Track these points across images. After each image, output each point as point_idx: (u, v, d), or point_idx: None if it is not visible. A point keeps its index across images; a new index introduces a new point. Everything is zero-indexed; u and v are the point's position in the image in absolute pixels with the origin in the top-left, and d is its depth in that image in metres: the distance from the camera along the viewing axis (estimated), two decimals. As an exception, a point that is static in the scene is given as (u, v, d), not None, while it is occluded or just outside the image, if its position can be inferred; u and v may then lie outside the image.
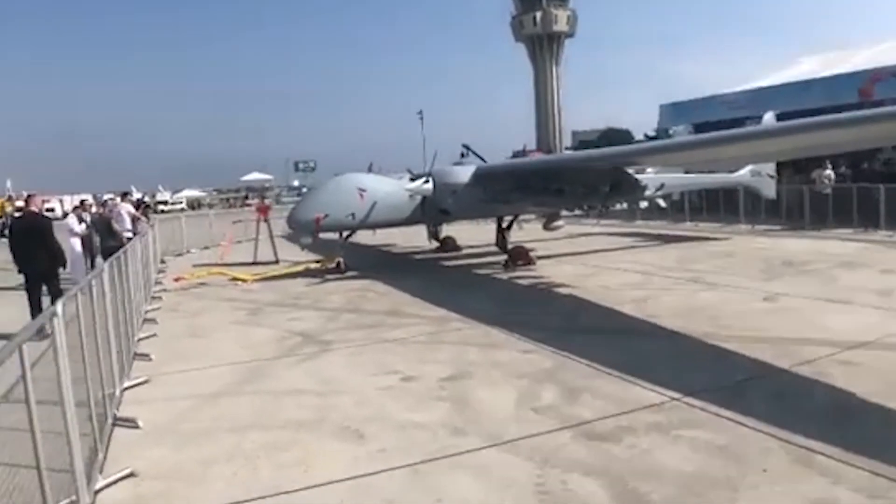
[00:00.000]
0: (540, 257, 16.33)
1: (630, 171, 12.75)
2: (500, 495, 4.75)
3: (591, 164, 12.26)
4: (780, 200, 21.51)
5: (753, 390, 6.74)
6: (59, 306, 4.67)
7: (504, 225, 15.89)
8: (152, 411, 6.65)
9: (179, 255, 22.38)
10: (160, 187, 70.53)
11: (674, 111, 31.79)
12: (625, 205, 16.90)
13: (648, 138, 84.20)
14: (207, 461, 5.42)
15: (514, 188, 14.00)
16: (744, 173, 19.13)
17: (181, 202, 65.14)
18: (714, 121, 27.69)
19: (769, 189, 19.90)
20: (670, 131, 32.40)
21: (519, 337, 9.07)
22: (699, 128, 27.99)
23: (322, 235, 16.12)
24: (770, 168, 19.29)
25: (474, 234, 21.17)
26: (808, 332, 8.74)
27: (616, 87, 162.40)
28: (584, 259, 16.78)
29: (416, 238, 21.11)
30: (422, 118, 79.97)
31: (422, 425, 6.04)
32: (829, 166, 20.67)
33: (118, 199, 16.97)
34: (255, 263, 18.50)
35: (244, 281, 15.25)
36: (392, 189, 15.53)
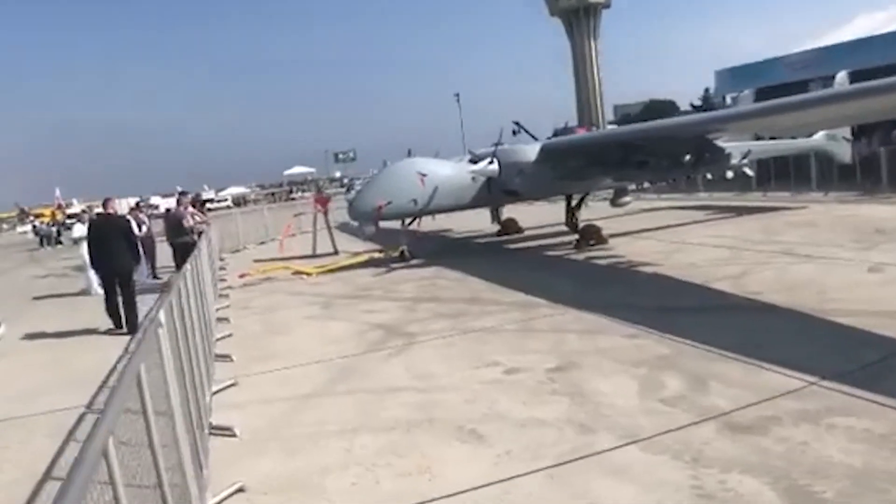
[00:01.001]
0: (611, 235, 15.63)
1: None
2: (655, 500, 4.22)
3: (677, 133, 11.50)
4: (853, 165, 20.29)
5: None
6: (161, 314, 4.28)
7: (573, 203, 15.22)
8: (247, 417, 6.28)
9: (237, 251, 22.28)
10: (205, 186, 71.16)
11: (731, 76, 30.47)
12: (709, 175, 16.04)
13: (694, 108, 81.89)
14: (320, 471, 5.00)
15: (589, 163, 13.35)
16: (818, 137, 18.06)
17: (226, 200, 65.67)
18: (776, 84, 26.44)
19: (845, 153, 18.77)
20: (727, 98, 31.20)
21: (616, 320, 8.49)
22: (761, 93, 26.76)
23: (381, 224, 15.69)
24: (845, 131, 18.16)
25: (534, 216, 20.59)
26: (933, 304, 8.00)
27: (656, 58, 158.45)
28: (658, 235, 16.02)
29: (472, 222, 20.59)
30: (459, 101, 79.17)
31: (543, 423, 5.53)
32: None
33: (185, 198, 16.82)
34: (314, 256, 18.24)
35: (309, 274, 14.95)
36: (453, 172, 15.03)
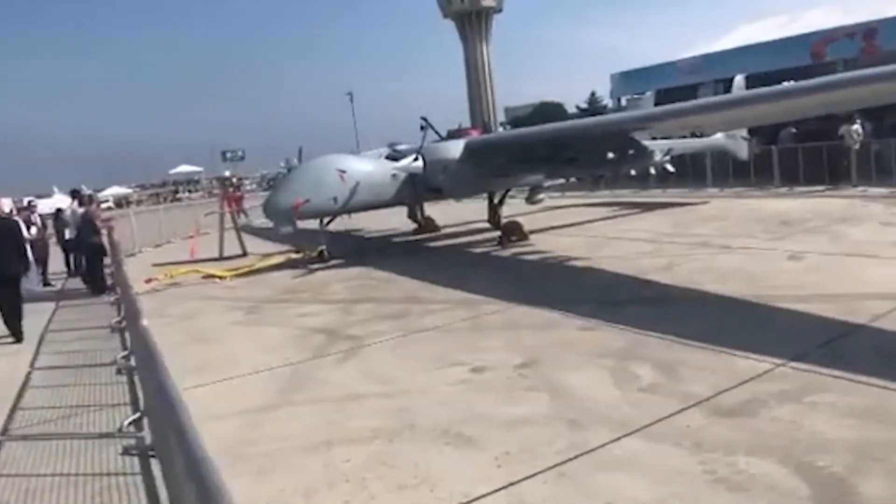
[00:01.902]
0: (530, 232, 15.71)
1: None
2: (672, 489, 4.10)
3: (604, 131, 11.63)
4: (748, 162, 21.49)
5: (852, 348, 6.38)
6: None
7: (496, 200, 15.17)
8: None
9: (132, 255, 20.75)
10: (83, 187, 66.38)
11: (626, 80, 31.67)
12: (633, 172, 16.44)
13: (581, 110, 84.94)
14: (304, 492, 4.53)
15: (515, 160, 13.32)
16: (719, 136, 18.97)
17: (107, 201, 61.47)
18: (670, 87, 27.73)
19: (743, 151, 19.84)
20: (622, 101, 32.40)
21: (566, 314, 8.43)
22: (660, 94, 27.92)
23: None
24: (743, 130, 19.19)
25: (449, 214, 20.47)
26: (856, 287, 8.49)
27: (545, 62, 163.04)
28: (574, 231, 16.27)
29: (384, 221, 20.22)
30: (352, 100, 78.24)
31: (530, 421, 5.31)
32: (858, 121, 19.51)
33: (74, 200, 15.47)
34: (222, 258, 17.28)
35: (222, 278, 14.08)
36: (374, 169, 14.63)
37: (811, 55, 23.77)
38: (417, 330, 8.48)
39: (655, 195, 23.58)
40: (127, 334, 9.72)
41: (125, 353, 8.73)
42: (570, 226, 17.15)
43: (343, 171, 14.25)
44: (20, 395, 7.59)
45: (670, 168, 16.86)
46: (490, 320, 8.62)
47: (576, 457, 4.62)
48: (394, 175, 14.48)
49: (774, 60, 24.39)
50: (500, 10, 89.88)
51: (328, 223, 15.44)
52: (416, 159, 13.77)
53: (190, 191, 65.95)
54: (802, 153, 20.32)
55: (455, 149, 13.82)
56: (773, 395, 5.40)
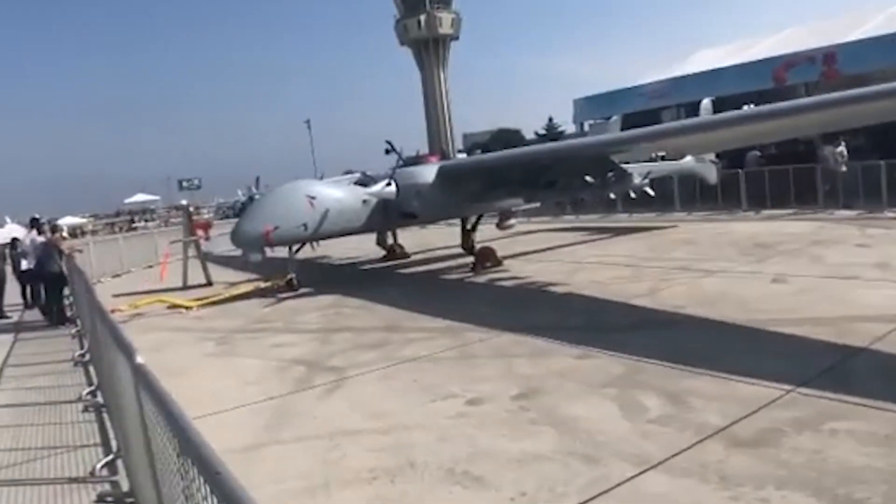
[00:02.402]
0: (503, 257, 15.48)
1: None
2: (710, 532, 3.82)
3: (581, 154, 11.51)
4: (715, 186, 21.71)
5: (858, 372, 6.28)
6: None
7: (469, 226, 14.92)
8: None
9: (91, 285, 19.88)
10: (36, 215, 64.18)
11: (589, 105, 31.95)
12: (612, 195, 16.39)
13: (539, 136, 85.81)
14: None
15: (491, 184, 13.13)
16: (689, 159, 19.13)
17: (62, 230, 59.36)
18: (633, 112, 28.01)
19: (712, 174, 20.05)
20: (586, 125, 32.66)
21: (556, 342, 8.17)
22: (626, 118, 28.10)
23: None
24: (712, 154, 19.40)
25: (418, 241, 20.21)
26: (848, 309, 8.44)
27: (500, 89, 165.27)
28: (548, 256, 16.11)
29: (351, 248, 19.84)
30: (309, 127, 77.87)
31: (541, 456, 4.99)
32: (842, 143, 19.62)
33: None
34: (185, 288, 16.64)
35: (188, 308, 13.48)
36: (344, 195, 14.28)
37: (773, 79, 24.27)
38: (402, 360, 8.11)
39: (622, 220, 23.70)
40: (91, 368, 9.17)
41: (91, 388, 8.19)
42: (542, 251, 16.99)
43: (313, 198, 13.88)
44: (-22, 437, 6.99)
45: (650, 191, 16.91)
46: (477, 349, 8.30)
47: (599, 494, 4.32)
48: (364, 201, 14.16)
49: (738, 84, 24.82)
50: (456, 38, 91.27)
51: (297, 251, 14.99)
52: (388, 184, 13.47)
53: (146, 220, 64.35)
54: (769, 176, 20.63)
55: (429, 173, 13.58)
56: (788, 423, 5.20)
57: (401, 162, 14.46)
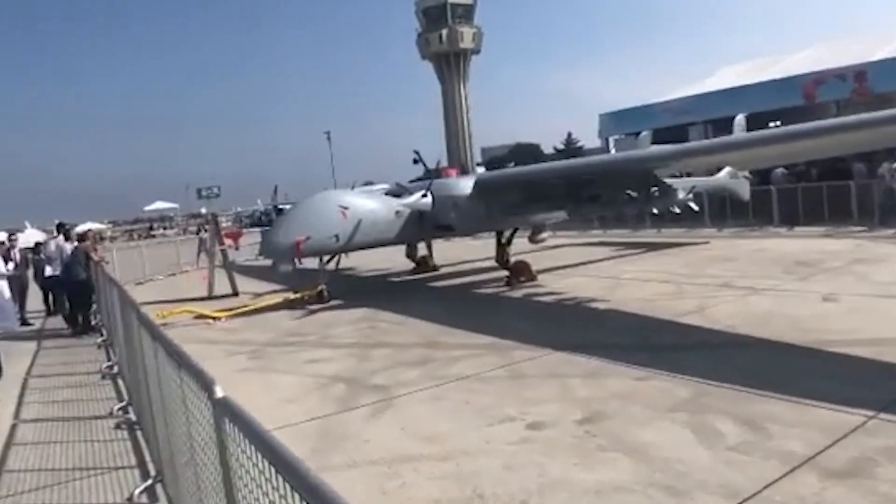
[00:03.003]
0: (536, 271, 15.12)
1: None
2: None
3: (628, 167, 11.15)
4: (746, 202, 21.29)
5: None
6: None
7: (504, 239, 14.59)
8: None
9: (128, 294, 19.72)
10: (62, 221, 64.52)
11: (615, 120, 31.65)
12: (654, 210, 16.04)
13: (558, 151, 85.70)
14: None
15: (531, 197, 12.82)
16: (722, 175, 18.73)
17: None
18: (659, 128, 27.69)
19: (745, 191, 19.63)
20: (611, 141, 32.31)
21: (609, 361, 7.82)
22: (657, 133, 27.78)
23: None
24: (745, 170, 19.00)
25: (446, 254, 19.90)
26: (912, 330, 8.04)
27: (520, 103, 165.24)
28: (582, 271, 15.74)
29: (376, 260, 19.54)
30: (329, 138, 78.10)
31: (621, 488, 4.63)
32: None
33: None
34: (211, 298, 16.41)
35: (216, 319, 13.22)
36: (377, 205, 14.03)
37: (803, 96, 23.89)
38: (449, 379, 7.77)
39: (651, 235, 23.32)
40: (121, 382, 8.91)
41: (123, 404, 7.90)
42: (575, 266, 16.62)
43: (345, 208, 13.63)
44: (4, 455, 6.73)
45: (694, 206, 16.50)
46: (527, 368, 7.94)
47: (696, 535, 3.96)
48: (398, 212, 13.91)
49: (765, 101, 24.49)
50: (478, 52, 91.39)
51: (328, 262, 14.73)
52: (424, 195, 13.20)
53: (165, 227, 64.56)
54: (802, 193, 20.19)
55: (465, 185, 13.30)
56: (880, 451, 4.86)
57: (428, 173, 14.22)
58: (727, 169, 18.40)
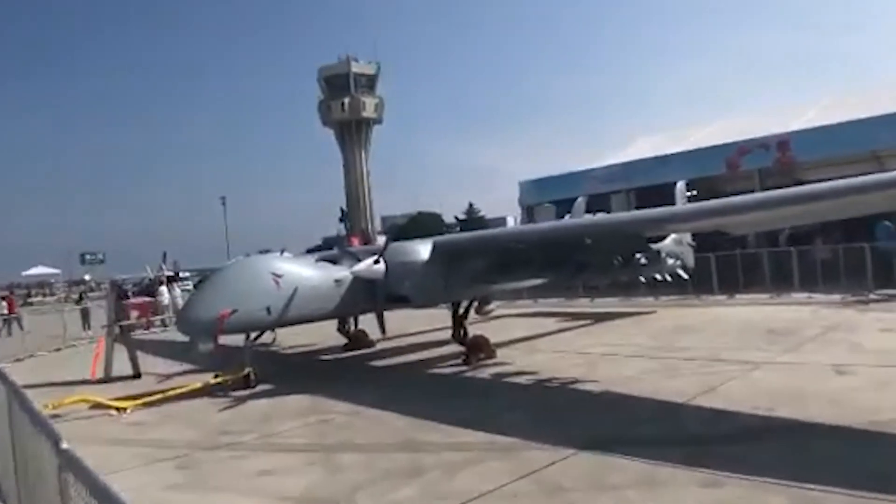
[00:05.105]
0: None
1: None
2: None
3: (616, 230, 9.90)
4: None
5: None
6: None
7: (461, 311, 12.96)
8: None
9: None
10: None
11: (535, 188, 31.15)
12: (642, 278, 14.93)
13: (460, 221, 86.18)
14: None
15: (501, 263, 11.39)
16: (668, 241, 18.08)
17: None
18: (581, 195, 27.31)
19: (690, 258, 19.07)
20: (536, 207, 31.67)
21: (657, 462, 6.31)
22: (565, 203, 27.40)
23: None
24: (688, 237, 18.47)
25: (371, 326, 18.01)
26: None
27: (422, 173, 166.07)
28: (542, 346, 14.34)
29: (296, 335, 17.36)
30: (224, 204, 74.85)
31: None
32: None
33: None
34: (108, 381, 13.76)
35: (121, 410, 10.73)
36: (314, 273, 12.21)
37: (727, 165, 24.14)
38: (462, 500, 5.95)
39: (584, 305, 22.42)
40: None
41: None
42: (530, 339, 15.21)
43: (278, 275, 11.71)
44: None
45: (683, 274, 15.63)
46: (557, 477, 6.25)
47: None
48: (338, 280, 12.12)
49: (687, 170, 24.50)
50: (379, 122, 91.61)
51: (256, 338, 12.60)
52: (376, 262, 11.48)
53: (44, 294, 58.87)
54: (742, 260, 19.96)
55: (423, 249, 11.68)
56: None
57: (326, 242, 12.69)
58: (673, 236, 17.77)
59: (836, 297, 17.38)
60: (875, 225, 18.39)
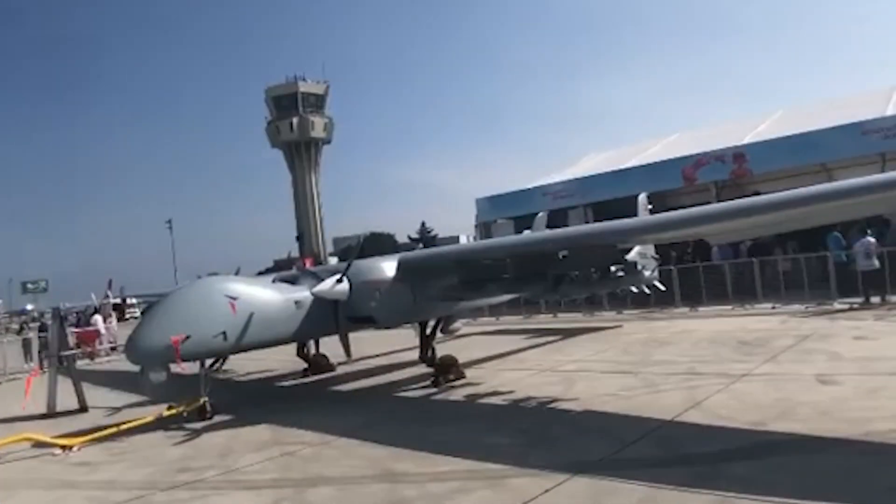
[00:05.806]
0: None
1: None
2: None
3: (592, 242, 9.54)
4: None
5: None
6: None
7: (429, 331, 12.43)
8: None
9: None
10: None
11: (492, 204, 30.96)
12: (618, 291, 14.60)
13: (413, 240, 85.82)
14: None
15: (472, 279, 10.93)
16: (633, 253, 17.91)
17: None
18: (538, 211, 27.17)
19: (654, 270, 18.97)
20: (493, 224, 31.46)
21: (660, 485, 5.87)
22: (522, 219, 27.24)
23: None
24: (651, 249, 18.38)
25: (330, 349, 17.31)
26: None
27: (373, 193, 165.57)
28: (511, 364, 13.93)
29: (248, 359, 16.53)
30: (171, 228, 73.01)
31: None
32: (869, 233, 17.98)
33: None
34: (52, 415, 12.78)
35: (66, 448, 9.85)
36: (272, 295, 11.53)
37: (683, 178, 24.33)
38: (453, 533, 5.43)
39: (546, 321, 22.17)
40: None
41: None
42: (498, 358, 14.79)
43: (234, 298, 11.02)
44: None
45: (661, 286, 15.39)
46: (555, 506, 5.79)
47: None
48: (297, 302, 11.50)
49: (645, 184, 24.59)
50: (329, 142, 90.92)
51: (212, 366, 11.84)
52: (339, 281, 10.90)
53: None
54: (704, 272, 19.98)
55: (388, 267, 11.16)
56: None
57: (296, 256, 12.07)
58: (637, 248, 17.61)
59: (800, 306, 17.49)
60: (826, 235, 18.68)
